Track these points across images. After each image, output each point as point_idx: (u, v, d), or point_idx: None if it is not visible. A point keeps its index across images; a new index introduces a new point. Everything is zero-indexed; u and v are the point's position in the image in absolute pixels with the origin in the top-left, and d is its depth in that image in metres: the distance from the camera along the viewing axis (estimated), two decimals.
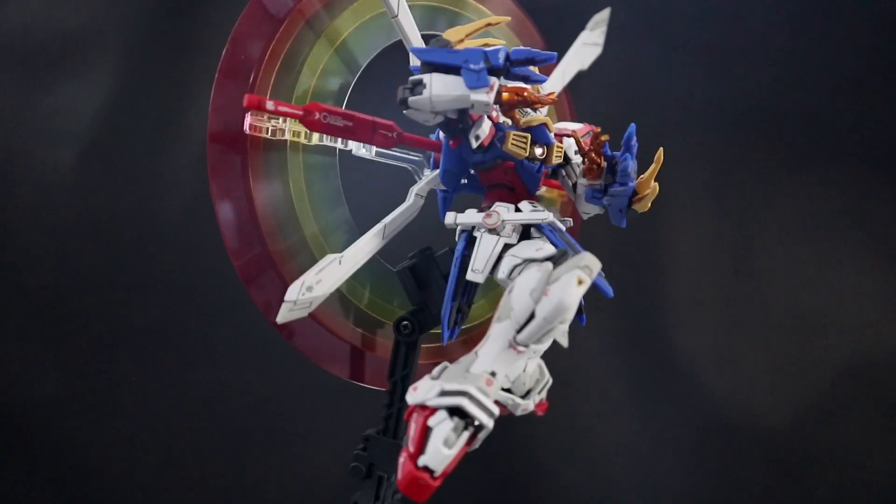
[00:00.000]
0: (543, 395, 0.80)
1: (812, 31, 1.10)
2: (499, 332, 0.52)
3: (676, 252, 1.05)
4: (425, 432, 0.51)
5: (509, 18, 0.63)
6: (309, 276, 0.59)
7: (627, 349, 0.99)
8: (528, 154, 0.62)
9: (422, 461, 0.50)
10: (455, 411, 0.51)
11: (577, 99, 0.82)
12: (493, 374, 0.52)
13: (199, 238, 1.00)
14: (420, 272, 0.69)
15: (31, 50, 1.00)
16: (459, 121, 0.61)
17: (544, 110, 0.67)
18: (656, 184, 0.60)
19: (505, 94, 0.56)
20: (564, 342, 0.83)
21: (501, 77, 0.59)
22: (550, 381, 0.79)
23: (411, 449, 0.51)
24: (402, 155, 0.72)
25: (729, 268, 1.07)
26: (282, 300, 0.60)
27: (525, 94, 0.56)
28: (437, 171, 0.67)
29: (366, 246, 0.62)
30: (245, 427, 1.03)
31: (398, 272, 0.69)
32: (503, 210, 0.62)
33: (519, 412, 0.77)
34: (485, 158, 0.63)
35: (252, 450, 1.04)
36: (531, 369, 0.76)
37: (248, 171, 0.62)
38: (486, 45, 0.60)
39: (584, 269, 0.51)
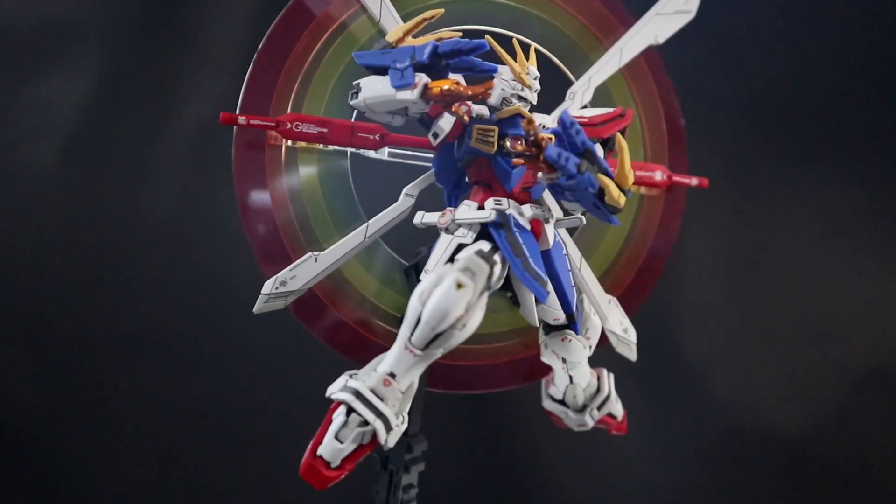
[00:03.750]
0: (615, 409, 0.74)
1: (828, 19, 1.00)
2: (400, 333, 0.52)
3: (687, 251, 0.94)
4: (329, 423, 0.53)
5: (443, 11, 0.59)
6: (284, 272, 0.63)
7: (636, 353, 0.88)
8: (494, 148, 0.59)
9: (319, 450, 0.52)
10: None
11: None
12: (392, 375, 0.52)
13: (189, 237, 0.99)
14: (422, 270, 0.69)
15: (11, 41, 0.95)
16: (421, 119, 0.61)
17: (533, 98, 0.62)
18: (608, 180, 0.52)
19: (434, 90, 0.54)
20: (632, 356, 0.76)
21: (448, 71, 0.58)
22: (610, 395, 0.73)
23: (316, 439, 0.54)
24: (424, 154, 0.73)
25: (741, 268, 0.98)
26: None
27: (450, 86, 0.54)
28: (433, 170, 0.67)
29: (345, 245, 0.65)
30: (240, 432, 1.00)
31: (404, 270, 0.71)
32: (464, 209, 0.60)
33: (575, 428, 0.74)
34: (459, 154, 0.62)
35: (248, 456, 1.01)
36: (583, 381, 0.71)
37: (269, 181, 0.69)
38: (440, 40, 0.58)
39: (466, 273, 0.49)
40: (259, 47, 0.68)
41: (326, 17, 0.69)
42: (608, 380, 0.74)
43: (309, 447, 0.53)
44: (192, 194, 0.94)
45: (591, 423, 0.73)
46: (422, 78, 0.54)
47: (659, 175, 0.76)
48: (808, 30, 1.05)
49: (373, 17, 0.65)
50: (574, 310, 0.60)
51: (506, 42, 0.63)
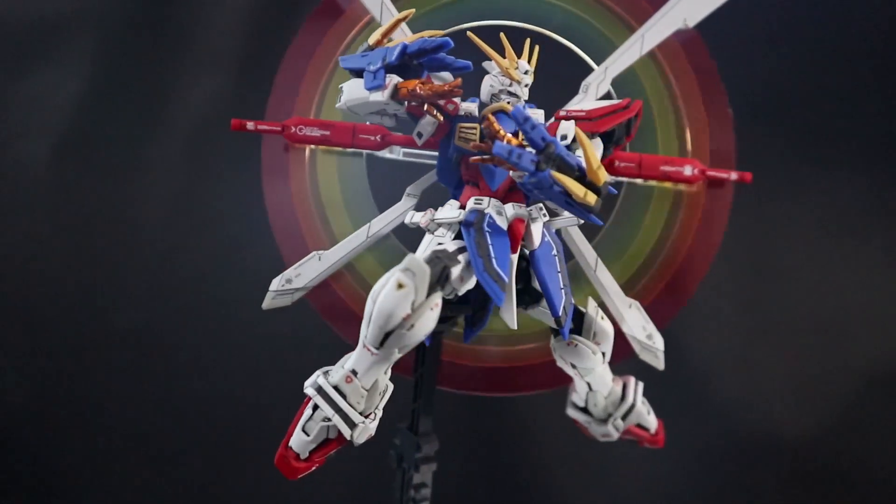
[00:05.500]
0: (645, 420, 0.71)
1: (836, 13, 0.98)
2: (361, 332, 0.52)
3: None
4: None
5: (414, 11, 0.58)
6: (289, 270, 0.67)
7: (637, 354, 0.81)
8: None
9: (290, 442, 0.54)
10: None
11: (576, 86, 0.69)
12: (353, 372, 0.53)
13: (184, 237, 0.98)
14: None
15: (4, 36, 0.95)
16: (412, 119, 0.61)
17: (524, 93, 0.60)
18: (565, 178, 0.49)
19: (402, 91, 0.54)
20: (658, 364, 0.71)
21: (425, 71, 0.57)
22: (636, 404, 0.69)
23: (289, 431, 0.56)
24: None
25: (747, 267, 0.97)
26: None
27: (416, 86, 0.53)
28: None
29: (348, 244, 0.67)
30: (237, 436, 0.99)
31: None
32: (446, 208, 0.60)
33: (600, 438, 0.72)
34: (450, 153, 0.62)
35: (245, 461, 0.98)
36: (603, 389, 0.69)
37: (292, 182, 0.72)
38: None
39: (406, 273, 0.49)
40: (287, 49, 0.72)
41: (353, 13, 0.72)
42: (634, 389, 0.70)
43: (284, 439, 0.56)
44: (187, 193, 0.95)
45: (615, 434, 0.70)
46: (392, 79, 0.55)
47: (689, 170, 0.70)
48: (815, 25, 0.98)
49: (376, 19, 0.66)
50: (560, 313, 0.57)
51: (524, 36, 0.62)
